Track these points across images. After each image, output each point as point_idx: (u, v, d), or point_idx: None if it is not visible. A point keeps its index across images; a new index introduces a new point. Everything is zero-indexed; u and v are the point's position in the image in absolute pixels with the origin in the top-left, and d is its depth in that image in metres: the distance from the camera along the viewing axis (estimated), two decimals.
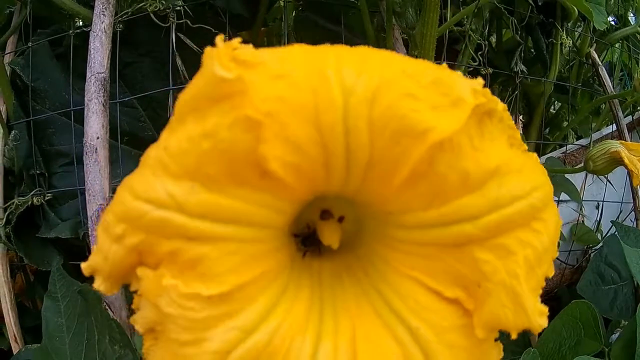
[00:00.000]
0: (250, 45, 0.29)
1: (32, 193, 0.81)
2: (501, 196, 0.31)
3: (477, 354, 0.34)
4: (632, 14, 1.10)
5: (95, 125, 0.66)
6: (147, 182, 0.30)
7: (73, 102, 0.81)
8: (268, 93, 0.28)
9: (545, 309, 0.33)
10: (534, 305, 0.32)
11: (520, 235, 0.32)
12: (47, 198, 0.82)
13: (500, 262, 0.32)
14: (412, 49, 0.75)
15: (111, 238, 0.31)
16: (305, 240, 0.41)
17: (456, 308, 0.34)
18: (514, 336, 0.32)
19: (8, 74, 0.82)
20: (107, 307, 0.63)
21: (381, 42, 0.78)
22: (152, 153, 0.31)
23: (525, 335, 0.90)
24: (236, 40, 0.29)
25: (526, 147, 0.35)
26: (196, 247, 0.30)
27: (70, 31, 0.81)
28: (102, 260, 0.32)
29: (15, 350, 0.78)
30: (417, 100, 0.29)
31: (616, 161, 0.81)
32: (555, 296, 1.02)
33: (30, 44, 0.82)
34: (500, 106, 0.32)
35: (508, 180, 0.32)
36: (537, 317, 0.32)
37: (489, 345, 0.34)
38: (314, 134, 0.28)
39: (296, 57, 0.29)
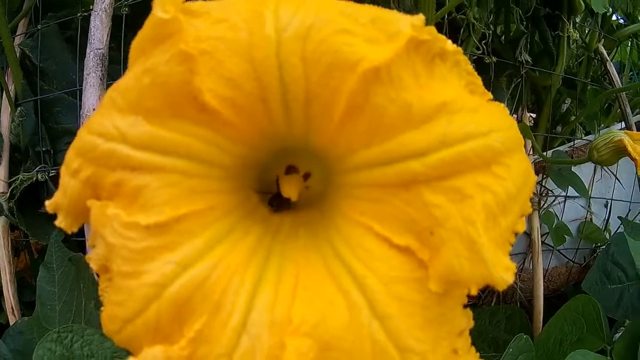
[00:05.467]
0: None
1: (36, 169, 0.83)
2: (450, 132, 0.29)
3: (434, 312, 0.30)
4: None
5: (92, 97, 0.68)
6: (100, 118, 0.32)
7: (79, 82, 0.83)
8: (207, 34, 0.29)
9: (512, 265, 0.29)
10: (496, 257, 0.29)
11: (477, 178, 0.29)
12: (51, 174, 0.83)
13: (454, 207, 0.29)
14: None
15: (70, 173, 0.34)
16: (273, 200, 0.40)
17: (409, 259, 0.30)
18: (473, 291, 0.29)
19: (18, 55, 0.85)
20: (95, 273, 0.64)
21: None
22: (108, 94, 0.33)
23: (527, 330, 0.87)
24: None
25: (491, 97, 0.32)
26: (138, 177, 0.31)
27: (79, 14, 0.83)
28: (62, 195, 0.34)
29: (12, 322, 0.79)
30: (351, 35, 0.29)
31: (621, 151, 0.79)
32: (562, 294, 0.99)
33: (39, 27, 0.85)
34: (452, 47, 0.30)
35: (460, 118, 0.29)
36: (501, 270, 0.28)
37: (450, 306, 0.31)
38: (248, 68, 0.29)
39: (239, 3, 0.31)
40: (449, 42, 0.31)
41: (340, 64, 0.28)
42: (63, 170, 0.34)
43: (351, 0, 0.30)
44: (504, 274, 0.28)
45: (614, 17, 1.06)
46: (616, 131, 0.80)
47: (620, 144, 0.78)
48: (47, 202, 0.35)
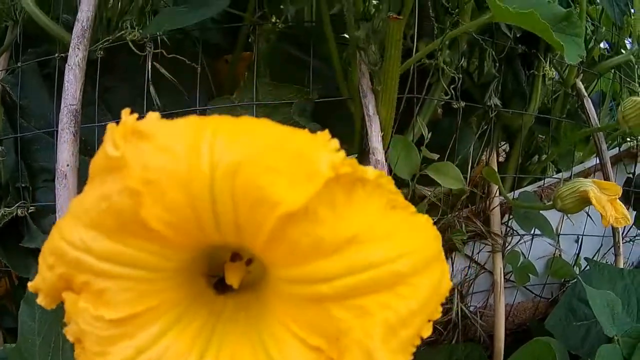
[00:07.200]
0: (155, 115, 0.36)
1: (16, 205, 0.86)
2: (357, 262, 0.35)
3: None
4: (628, 41, 1.06)
5: (65, 153, 0.71)
6: (69, 227, 0.39)
7: (55, 122, 0.85)
8: (152, 163, 0.34)
9: None
10: None
11: (381, 298, 0.35)
12: (30, 210, 0.87)
13: (356, 321, 0.35)
14: (375, 84, 0.77)
15: (46, 266, 0.40)
16: (217, 284, 0.46)
17: (320, 356, 0.36)
18: None
19: None
20: None
21: (348, 75, 0.80)
22: (75, 203, 0.39)
23: None
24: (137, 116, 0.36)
25: (414, 209, 0.37)
26: (101, 281, 0.38)
27: (56, 54, 0.85)
28: (41, 281, 0.41)
29: None
30: (275, 174, 0.33)
31: (585, 201, 0.80)
32: (527, 329, 1.02)
33: (19, 64, 0.87)
34: (373, 174, 0.35)
35: (368, 248, 0.35)
36: None
37: None
38: (187, 200, 0.35)
39: (182, 131, 0.36)
40: (370, 170, 0.35)
41: (263, 202, 0.33)
42: (41, 261, 0.41)
43: None
44: None
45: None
46: (583, 180, 0.81)
47: (584, 195, 0.79)
48: (29, 284, 0.41)
